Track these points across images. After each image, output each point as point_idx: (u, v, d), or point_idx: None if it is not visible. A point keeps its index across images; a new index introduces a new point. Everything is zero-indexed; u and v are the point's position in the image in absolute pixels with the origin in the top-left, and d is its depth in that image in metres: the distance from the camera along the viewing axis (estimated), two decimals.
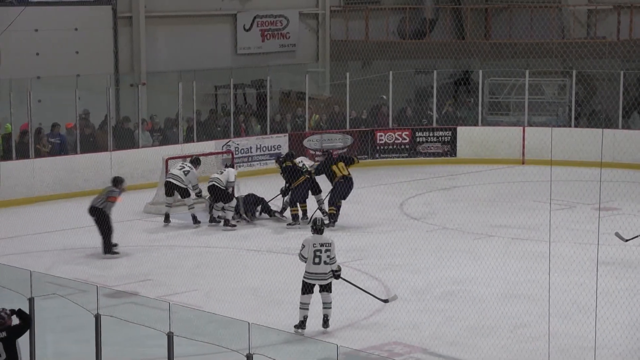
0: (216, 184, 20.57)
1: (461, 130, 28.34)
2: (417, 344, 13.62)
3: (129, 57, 28.00)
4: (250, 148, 26.60)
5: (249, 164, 26.39)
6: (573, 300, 14.93)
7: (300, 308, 14.02)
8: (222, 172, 20.96)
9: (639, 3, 30.92)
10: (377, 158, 28.17)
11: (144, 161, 24.34)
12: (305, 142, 27.34)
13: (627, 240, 16.99)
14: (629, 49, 29.44)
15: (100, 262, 18.01)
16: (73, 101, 23.92)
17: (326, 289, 14.06)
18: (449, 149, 28.35)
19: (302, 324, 13.98)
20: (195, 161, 21.27)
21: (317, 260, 13.97)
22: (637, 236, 17.08)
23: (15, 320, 10.76)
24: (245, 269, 17.41)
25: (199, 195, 21.06)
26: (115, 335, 12.20)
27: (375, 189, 24.47)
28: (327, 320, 14.09)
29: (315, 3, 32.30)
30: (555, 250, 16.11)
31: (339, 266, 14.21)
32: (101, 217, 18.44)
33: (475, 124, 28.42)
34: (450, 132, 28.32)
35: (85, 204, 22.46)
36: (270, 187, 22.10)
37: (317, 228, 14.21)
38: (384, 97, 28.63)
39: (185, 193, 20.88)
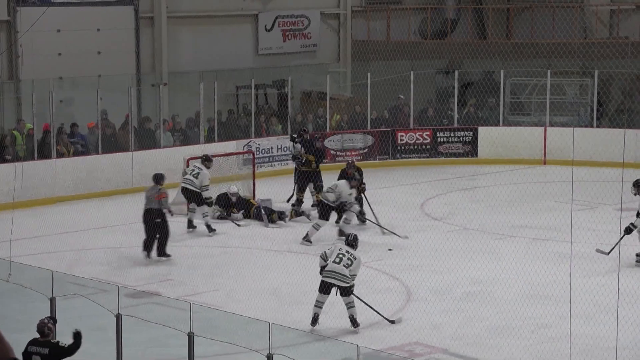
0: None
1: (482, 131, 28.25)
2: (438, 344, 13.62)
3: (151, 58, 28.04)
4: (271, 148, 26.59)
5: (270, 164, 26.40)
6: (594, 301, 14.87)
7: (314, 305, 14.16)
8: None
9: None
10: (397, 158, 28.11)
11: (165, 161, 24.32)
12: (327, 143, 27.32)
13: (608, 253, 17.04)
14: None
15: (121, 262, 18.04)
16: (95, 101, 23.98)
17: (344, 293, 14.14)
18: (470, 149, 28.27)
19: (313, 321, 14.12)
20: (206, 159, 20.51)
21: (337, 260, 14.14)
22: (615, 245, 17.08)
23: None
24: (265, 269, 17.42)
25: (209, 203, 20.20)
26: (136, 335, 12.26)
27: (396, 190, 24.44)
28: (354, 319, 14.16)
29: (337, 3, 32.26)
30: (577, 251, 16.08)
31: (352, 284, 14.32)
32: (163, 218, 18.31)
33: (497, 124, 28.33)
34: (471, 133, 28.24)
35: (106, 204, 22.58)
36: (290, 188, 22.17)
37: (349, 242, 14.50)
38: (401, 96, 28.60)
39: (200, 200, 20.12)
